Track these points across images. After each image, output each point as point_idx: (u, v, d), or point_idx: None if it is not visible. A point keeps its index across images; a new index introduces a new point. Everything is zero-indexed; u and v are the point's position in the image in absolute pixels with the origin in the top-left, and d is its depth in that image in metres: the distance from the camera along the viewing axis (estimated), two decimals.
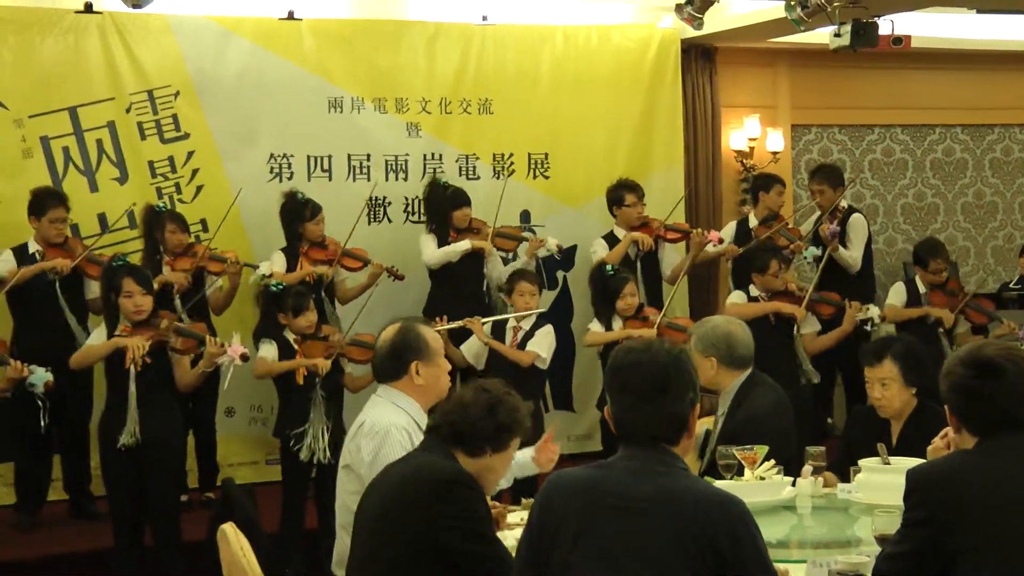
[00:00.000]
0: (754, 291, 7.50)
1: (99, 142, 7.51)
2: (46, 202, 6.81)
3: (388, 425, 3.95)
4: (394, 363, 4.07)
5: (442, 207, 7.56)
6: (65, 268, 6.70)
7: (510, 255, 8.02)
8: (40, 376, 5.80)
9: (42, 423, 6.01)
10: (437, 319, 6.78)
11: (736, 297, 7.59)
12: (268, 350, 6.47)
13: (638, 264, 7.86)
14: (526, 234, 7.97)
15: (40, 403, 5.93)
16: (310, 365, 6.34)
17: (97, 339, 6.11)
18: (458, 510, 3.29)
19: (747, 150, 9.49)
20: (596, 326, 7.26)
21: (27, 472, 6.97)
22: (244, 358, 6.12)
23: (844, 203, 8.30)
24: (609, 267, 7.28)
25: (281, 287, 6.54)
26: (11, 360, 5.86)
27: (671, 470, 2.86)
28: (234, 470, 7.58)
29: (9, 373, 5.77)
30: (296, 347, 6.49)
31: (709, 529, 2.76)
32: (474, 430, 3.44)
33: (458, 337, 7.15)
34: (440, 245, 7.54)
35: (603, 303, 7.22)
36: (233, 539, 3.68)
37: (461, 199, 7.60)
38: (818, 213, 8.36)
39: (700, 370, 4.22)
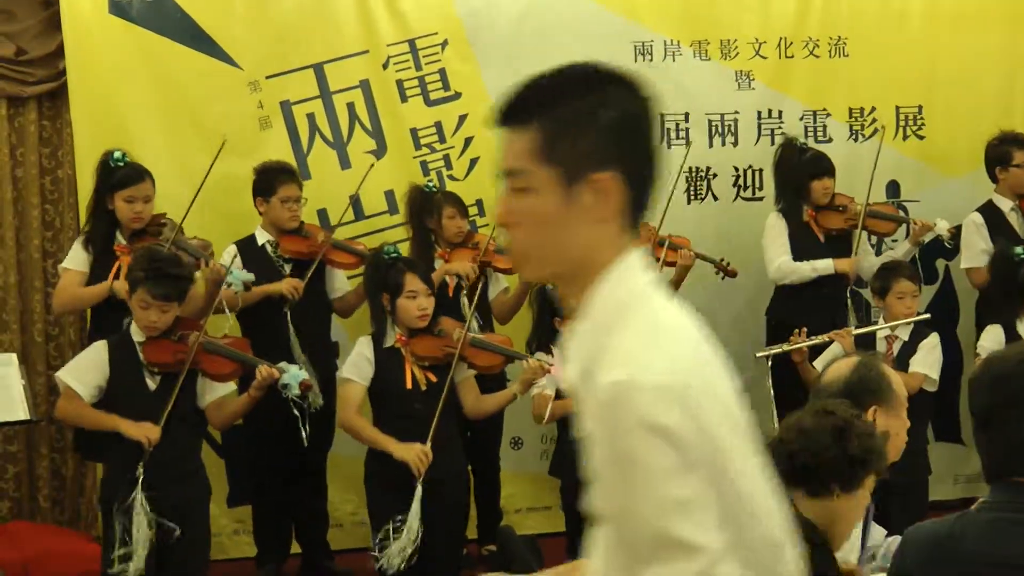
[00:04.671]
0: None
1: (350, 106, 6.53)
2: (275, 178, 5.93)
3: None
4: None
5: (797, 176, 6.56)
6: (295, 293, 5.75)
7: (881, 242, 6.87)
8: (294, 375, 5.06)
9: (303, 432, 5.21)
10: (796, 332, 6.01)
11: None
12: None
13: None
14: (904, 215, 6.81)
15: (297, 411, 5.16)
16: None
17: (365, 350, 5.22)
18: None
19: None
20: (991, 334, 5.97)
21: (265, 518, 6.12)
22: None
23: None
24: (1019, 250, 6.06)
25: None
26: (258, 361, 5.08)
27: None
28: (522, 517, 6.63)
29: (258, 380, 4.99)
30: None
31: None
32: (818, 462, 2.95)
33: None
34: (793, 227, 6.48)
35: (1010, 301, 6.01)
36: None
37: (822, 166, 6.57)
38: None
39: None
